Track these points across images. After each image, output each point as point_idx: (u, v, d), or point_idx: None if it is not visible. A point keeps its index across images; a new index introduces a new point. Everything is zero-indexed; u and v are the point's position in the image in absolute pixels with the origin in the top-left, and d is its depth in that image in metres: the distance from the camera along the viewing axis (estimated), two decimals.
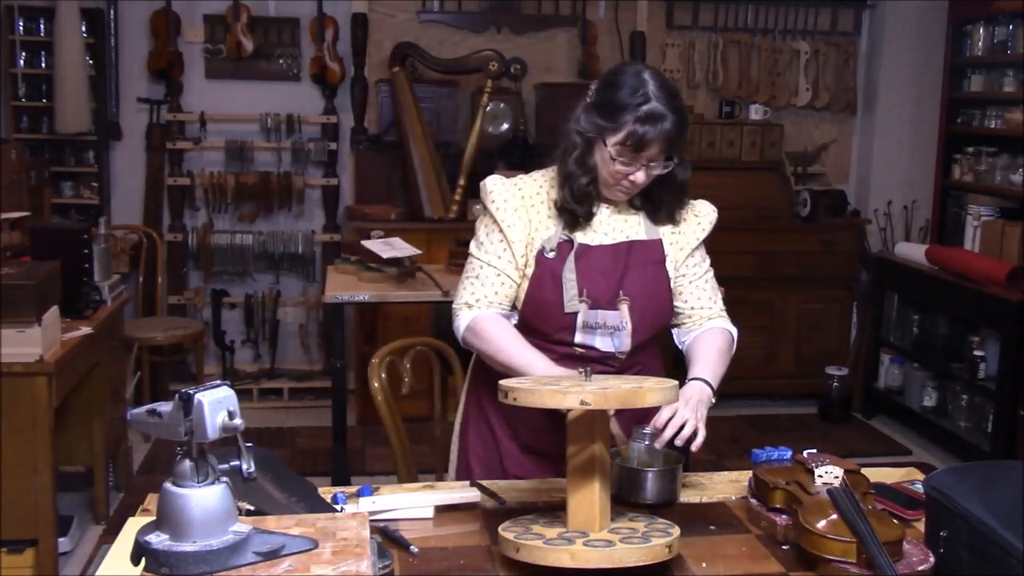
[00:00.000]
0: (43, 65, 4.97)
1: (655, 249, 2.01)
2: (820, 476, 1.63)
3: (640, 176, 1.90)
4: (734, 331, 2.09)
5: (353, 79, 5.20)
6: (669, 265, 2.02)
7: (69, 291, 3.35)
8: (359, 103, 5.20)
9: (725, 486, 1.92)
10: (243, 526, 1.24)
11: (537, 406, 1.56)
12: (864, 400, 5.32)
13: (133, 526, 1.44)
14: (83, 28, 4.92)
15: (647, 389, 1.56)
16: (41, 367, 3.00)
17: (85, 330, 3.36)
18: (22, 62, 4.96)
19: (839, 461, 1.68)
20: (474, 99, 5.15)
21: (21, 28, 4.93)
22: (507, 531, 1.58)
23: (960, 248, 4.85)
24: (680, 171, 1.97)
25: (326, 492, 1.73)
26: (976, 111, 5.10)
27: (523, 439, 2.07)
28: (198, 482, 1.23)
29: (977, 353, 4.54)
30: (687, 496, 1.86)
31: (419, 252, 3.85)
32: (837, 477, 1.63)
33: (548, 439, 1.99)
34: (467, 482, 1.96)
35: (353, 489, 1.81)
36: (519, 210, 1.98)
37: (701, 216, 2.09)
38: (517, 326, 2.00)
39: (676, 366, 2.25)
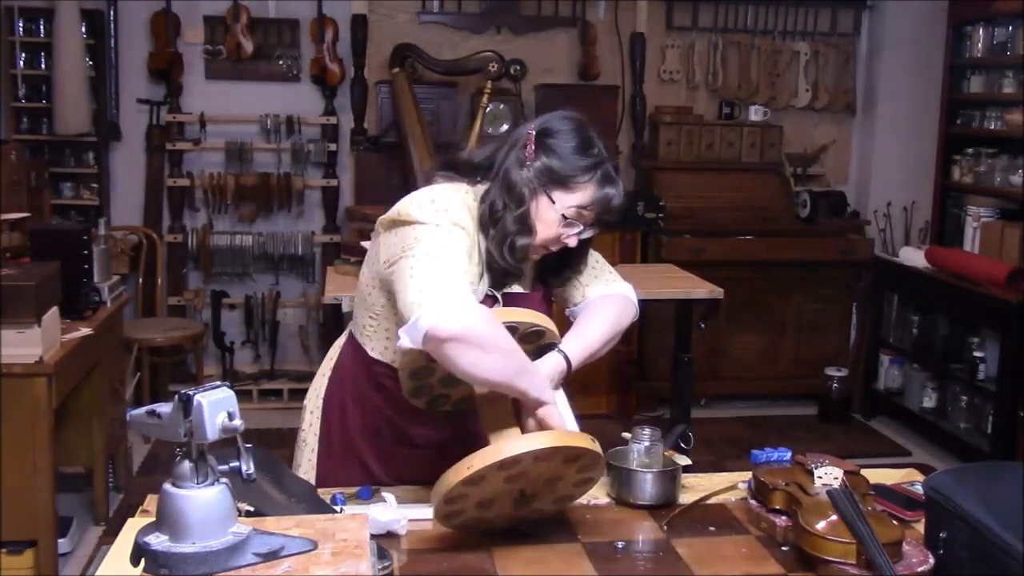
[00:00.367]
0: (43, 66, 4.97)
1: (543, 299, 1.91)
2: (820, 477, 1.63)
3: (573, 241, 1.79)
4: (622, 291, 1.95)
5: (353, 80, 5.20)
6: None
7: (69, 292, 3.35)
8: (359, 104, 5.20)
9: (725, 487, 1.92)
10: (242, 527, 1.24)
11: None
12: (864, 401, 5.32)
13: (132, 527, 1.44)
14: (83, 29, 4.92)
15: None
16: (41, 368, 3.00)
17: (85, 331, 3.36)
18: (22, 63, 4.96)
19: (839, 462, 1.68)
20: (474, 100, 5.15)
21: (21, 29, 4.93)
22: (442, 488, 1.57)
23: (960, 249, 4.85)
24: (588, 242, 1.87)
25: (325, 493, 1.73)
26: (976, 112, 5.10)
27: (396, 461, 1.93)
28: (198, 483, 1.23)
29: (977, 354, 4.54)
30: (686, 497, 1.86)
31: None
32: (837, 478, 1.63)
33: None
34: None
35: (353, 490, 1.81)
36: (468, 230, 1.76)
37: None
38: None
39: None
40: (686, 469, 1.86)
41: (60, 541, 3.30)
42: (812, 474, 1.64)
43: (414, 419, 1.88)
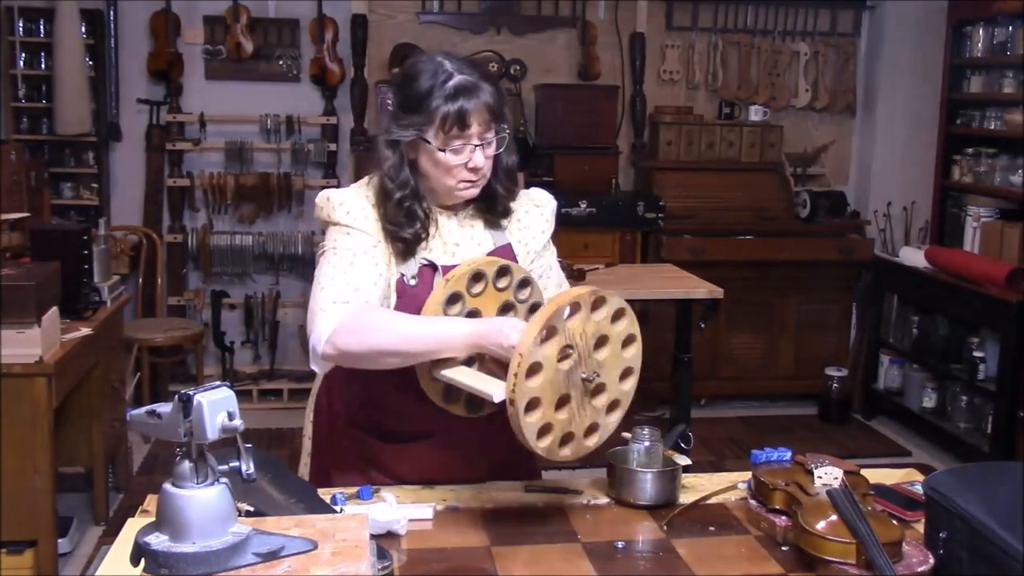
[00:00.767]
0: (43, 66, 4.98)
1: (506, 254, 1.87)
2: (819, 477, 1.63)
3: (478, 158, 1.75)
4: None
5: (353, 80, 5.20)
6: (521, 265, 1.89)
7: (69, 292, 3.35)
8: (359, 104, 5.20)
9: (724, 487, 1.92)
10: (242, 527, 1.24)
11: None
12: (864, 401, 5.32)
13: (132, 527, 1.44)
14: (83, 29, 4.93)
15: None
16: (41, 368, 3.00)
17: (85, 331, 3.36)
18: (22, 63, 4.97)
19: (838, 462, 1.68)
20: None
21: (21, 29, 4.93)
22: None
23: (960, 249, 4.85)
24: (505, 156, 1.84)
25: (325, 493, 1.73)
26: (976, 112, 5.10)
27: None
28: (197, 483, 1.23)
29: (977, 354, 4.54)
30: (686, 497, 1.86)
31: None
32: (836, 478, 1.63)
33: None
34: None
35: (353, 490, 1.81)
36: (374, 221, 1.79)
37: (543, 206, 1.96)
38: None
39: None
40: (686, 469, 1.86)
41: (60, 541, 3.30)
42: (812, 474, 1.64)
43: (400, 415, 1.88)
